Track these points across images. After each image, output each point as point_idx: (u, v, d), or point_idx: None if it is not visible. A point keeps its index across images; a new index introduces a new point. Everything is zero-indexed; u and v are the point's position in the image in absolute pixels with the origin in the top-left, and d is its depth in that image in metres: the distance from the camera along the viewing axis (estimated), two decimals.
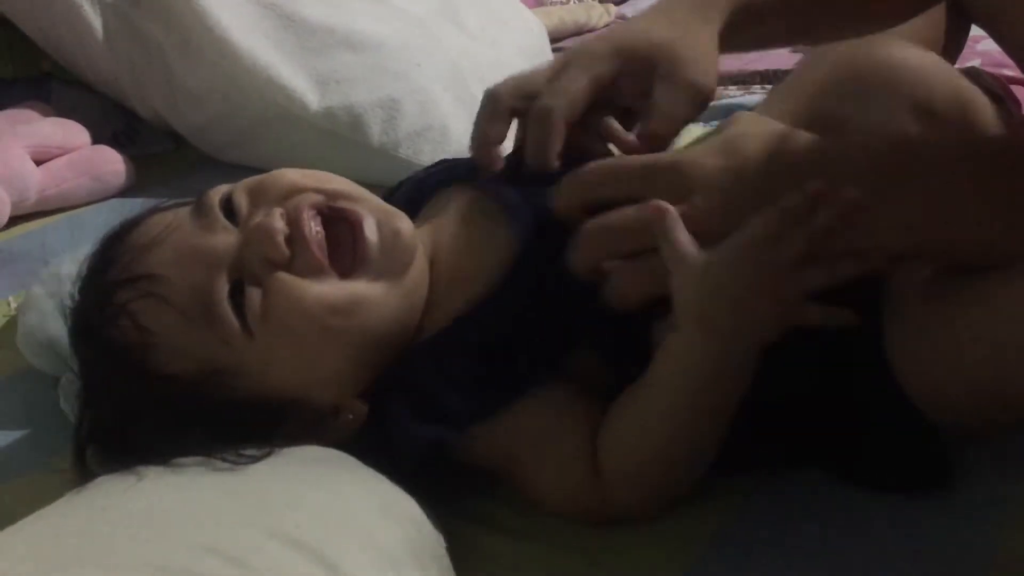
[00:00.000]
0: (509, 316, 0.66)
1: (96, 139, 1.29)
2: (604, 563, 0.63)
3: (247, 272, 0.64)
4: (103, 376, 0.66)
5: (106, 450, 0.65)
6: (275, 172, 0.69)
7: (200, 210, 0.66)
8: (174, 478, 0.59)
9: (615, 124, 0.72)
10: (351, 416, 0.67)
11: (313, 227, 0.65)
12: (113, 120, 1.39)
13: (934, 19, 0.98)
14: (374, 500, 0.60)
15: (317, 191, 0.67)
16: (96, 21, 1.28)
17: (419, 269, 0.68)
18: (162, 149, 1.40)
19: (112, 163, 1.26)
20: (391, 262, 0.66)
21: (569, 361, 0.66)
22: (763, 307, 0.59)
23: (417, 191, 0.79)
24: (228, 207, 0.66)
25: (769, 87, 1.55)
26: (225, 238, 0.65)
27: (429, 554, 0.59)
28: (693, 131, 1.34)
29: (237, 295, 0.63)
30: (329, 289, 0.64)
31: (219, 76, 1.24)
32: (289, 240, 0.64)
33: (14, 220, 1.18)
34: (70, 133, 1.27)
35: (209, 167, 1.32)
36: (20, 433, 0.79)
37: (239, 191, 0.67)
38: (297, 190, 0.67)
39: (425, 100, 1.24)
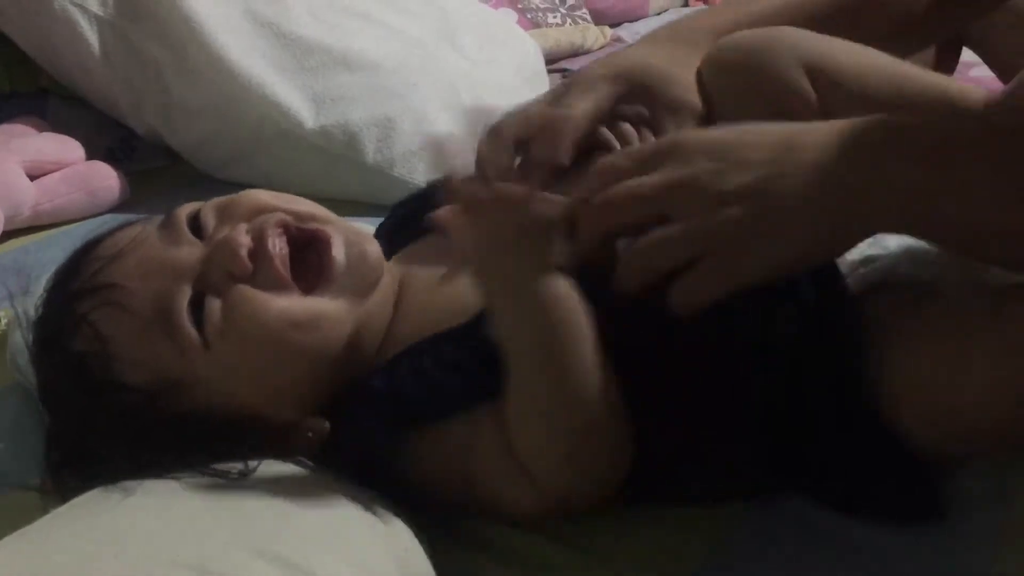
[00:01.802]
0: (468, 348, 0.65)
1: (92, 154, 1.29)
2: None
3: (209, 284, 0.64)
4: (62, 388, 0.66)
5: (69, 464, 0.65)
6: (245, 192, 0.70)
7: (167, 225, 0.67)
8: (162, 495, 0.59)
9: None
10: (310, 433, 0.66)
11: (278, 243, 0.65)
12: (109, 136, 1.38)
13: None
14: (363, 518, 0.60)
15: (286, 212, 0.67)
16: (93, 38, 1.28)
17: (383, 292, 0.69)
18: (158, 165, 1.39)
19: (106, 179, 1.25)
20: (356, 281, 0.66)
21: None
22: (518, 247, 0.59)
23: (411, 215, 0.79)
24: (195, 224, 0.67)
25: None
26: (189, 251, 0.65)
27: (417, 573, 0.58)
28: None
29: (197, 306, 0.64)
30: (290, 303, 0.64)
31: (215, 93, 1.24)
32: (253, 255, 0.64)
33: (8, 234, 1.17)
34: (65, 148, 1.27)
35: (204, 184, 1.31)
36: (9, 449, 0.78)
37: (207, 209, 0.68)
38: (265, 209, 0.67)
39: (421, 120, 1.24)
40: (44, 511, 0.59)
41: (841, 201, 0.59)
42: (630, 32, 2.19)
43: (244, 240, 0.64)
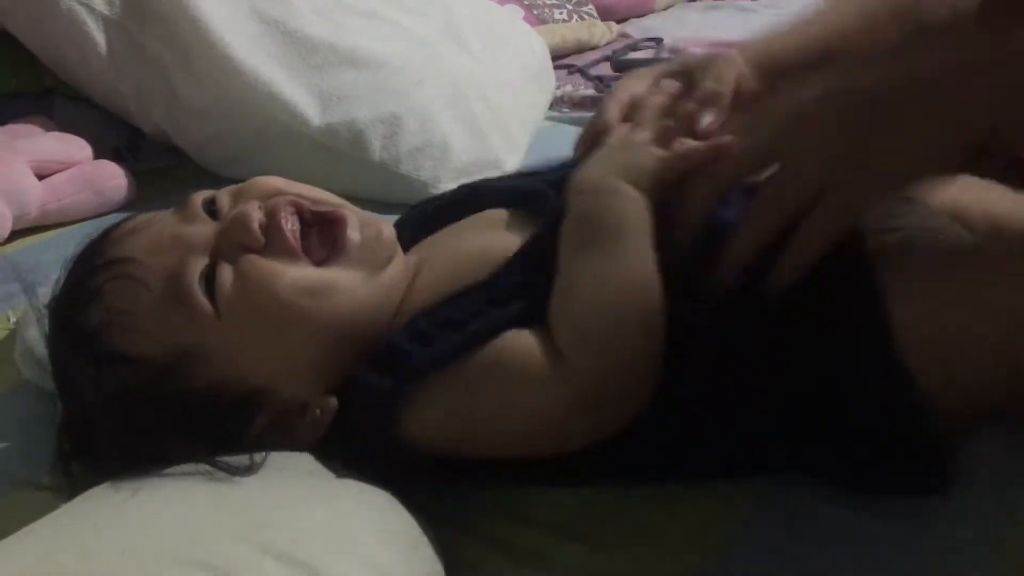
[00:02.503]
0: (491, 295, 0.66)
1: (98, 154, 1.29)
2: (606, 571, 0.62)
3: (221, 255, 0.65)
4: (74, 365, 0.66)
5: (79, 453, 0.65)
6: (259, 177, 0.72)
7: (182, 208, 0.69)
8: (168, 492, 0.59)
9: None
10: (319, 411, 0.66)
11: (290, 220, 0.67)
12: (115, 135, 1.38)
13: None
14: (370, 515, 0.59)
15: (299, 195, 0.70)
16: (99, 37, 1.28)
17: (397, 270, 0.70)
18: (164, 164, 1.40)
19: (113, 178, 1.25)
20: (370, 256, 0.68)
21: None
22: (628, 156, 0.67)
23: (428, 215, 0.81)
24: (210, 208, 0.69)
25: None
26: (203, 228, 0.67)
27: (425, 570, 0.58)
28: None
29: (210, 277, 0.65)
30: (301, 272, 0.66)
31: (221, 92, 1.24)
32: (265, 230, 0.66)
33: (15, 234, 1.18)
34: (72, 148, 1.27)
35: (211, 182, 1.30)
36: (16, 448, 0.79)
37: (222, 193, 0.70)
38: (278, 192, 0.70)
39: (426, 117, 1.24)
40: (53, 509, 0.59)
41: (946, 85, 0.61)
42: (637, 28, 2.19)
43: (256, 214, 0.66)
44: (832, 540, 0.64)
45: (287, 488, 0.60)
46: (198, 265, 0.65)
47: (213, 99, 1.25)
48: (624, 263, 0.63)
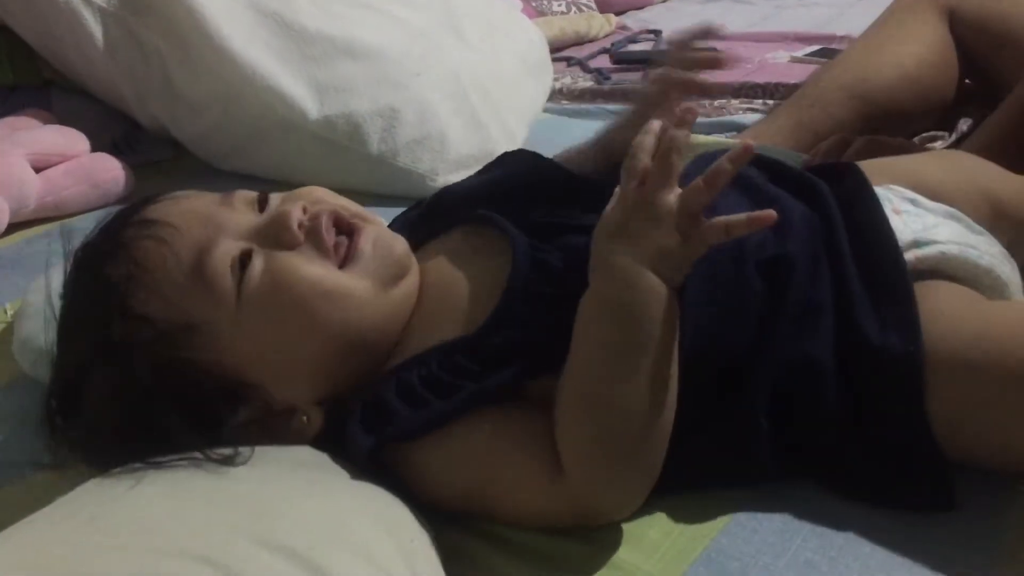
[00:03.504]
0: (478, 354, 0.66)
1: (96, 147, 1.29)
2: (595, 573, 0.62)
3: (258, 244, 0.67)
4: (83, 310, 0.68)
5: (64, 412, 0.66)
6: (309, 186, 0.74)
7: (228, 195, 0.71)
8: (166, 484, 0.59)
9: None
10: (306, 419, 0.67)
11: (330, 225, 0.69)
12: (113, 128, 1.38)
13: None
14: (368, 508, 0.60)
15: (342, 207, 0.72)
16: (96, 29, 1.28)
17: (408, 287, 0.71)
18: (162, 157, 1.39)
19: (111, 171, 1.25)
20: (380, 268, 0.69)
21: (531, 384, 0.66)
22: (659, 236, 0.61)
23: (421, 219, 0.82)
24: (261, 200, 0.71)
25: (771, 101, 1.56)
26: (246, 218, 0.69)
27: (423, 563, 0.58)
28: (697, 138, 1.36)
29: (244, 264, 0.66)
30: (325, 273, 0.67)
31: (218, 84, 1.24)
32: (304, 231, 0.68)
33: (13, 227, 1.18)
34: (70, 140, 1.26)
35: (209, 175, 1.31)
36: (15, 439, 0.79)
37: (275, 195, 0.73)
38: (323, 201, 0.72)
39: (424, 109, 1.24)
40: (52, 498, 0.59)
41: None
42: (635, 20, 2.19)
43: (298, 215, 0.68)
44: (829, 533, 0.64)
45: (285, 480, 0.60)
46: (230, 248, 0.66)
47: (210, 91, 1.25)
48: (651, 389, 0.61)
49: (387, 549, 0.56)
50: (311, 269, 0.67)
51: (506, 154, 0.86)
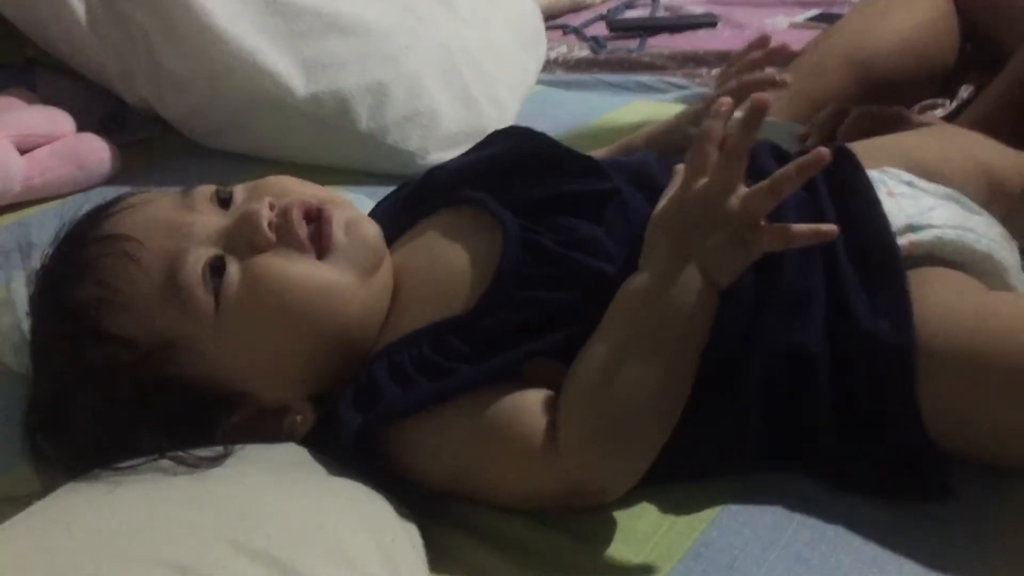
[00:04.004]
0: (470, 335, 0.65)
1: (84, 126, 1.27)
2: (583, 568, 0.61)
3: (229, 251, 0.65)
4: (55, 336, 0.66)
5: (44, 428, 0.64)
6: (273, 177, 0.72)
7: (186, 193, 0.68)
8: (144, 489, 0.58)
9: None
10: (299, 418, 0.66)
11: (300, 219, 0.67)
12: (100, 107, 1.36)
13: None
14: (348, 508, 0.59)
15: (309, 193, 0.69)
16: (79, 7, 1.25)
17: (385, 277, 0.69)
18: (149, 136, 1.37)
19: (97, 151, 1.23)
20: (357, 257, 0.67)
21: (526, 366, 0.65)
22: (716, 238, 0.61)
23: (404, 204, 0.79)
24: (221, 199, 0.68)
25: (769, 69, 1.53)
26: (211, 219, 0.66)
27: (405, 564, 0.57)
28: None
29: (215, 269, 0.64)
30: (308, 269, 0.65)
31: (204, 62, 1.21)
32: (275, 228, 0.65)
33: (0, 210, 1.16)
34: (55, 121, 1.24)
35: (196, 154, 1.29)
36: None
37: (238, 188, 0.70)
38: (290, 192, 0.69)
39: (414, 85, 1.22)
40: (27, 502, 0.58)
41: None
42: None
43: (267, 213, 0.66)
44: (819, 526, 0.63)
45: (264, 482, 0.59)
46: (201, 256, 0.64)
47: (196, 69, 1.22)
48: (668, 381, 0.61)
49: (367, 551, 0.56)
50: (292, 269, 0.65)
51: (496, 133, 0.84)
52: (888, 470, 0.65)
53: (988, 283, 0.72)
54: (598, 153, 0.85)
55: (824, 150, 0.59)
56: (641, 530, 0.63)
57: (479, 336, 0.65)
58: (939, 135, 0.91)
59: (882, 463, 0.65)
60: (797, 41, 1.49)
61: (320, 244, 0.66)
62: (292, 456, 0.63)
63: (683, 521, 0.64)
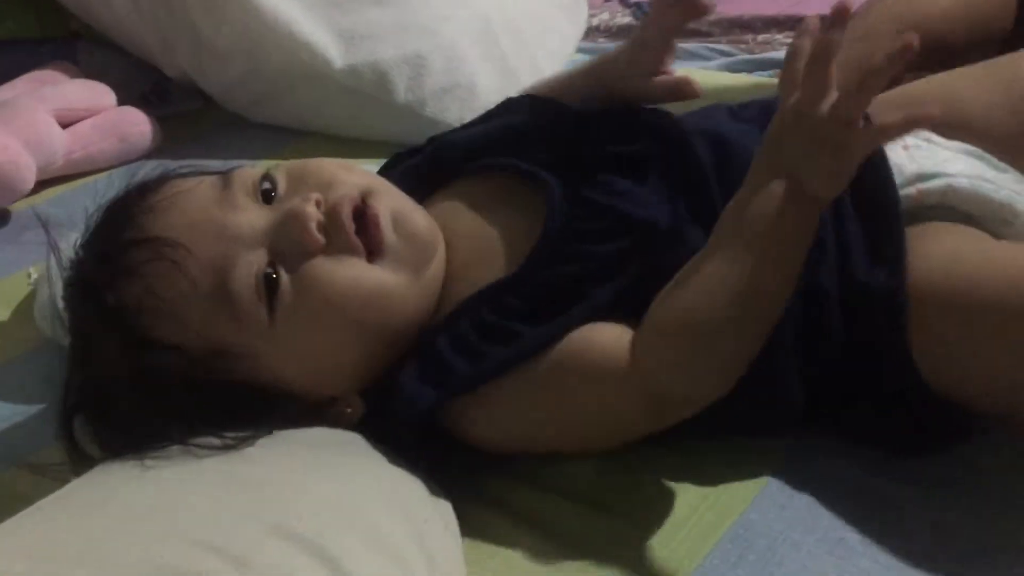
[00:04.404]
0: (526, 293, 0.64)
1: (125, 99, 1.28)
2: (619, 548, 0.61)
3: (279, 256, 0.62)
4: (99, 338, 0.64)
5: (88, 420, 0.64)
6: (315, 161, 0.69)
7: (228, 184, 0.65)
8: (177, 468, 0.58)
9: None
10: (349, 410, 0.65)
11: (350, 219, 0.64)
12: (142, 80, 1.37)
13: None
14: (379, 488, 0.58)
15: (354, 186, 0.66)
16: None
17: (439, 267, 0.67)
18: (191, 107, 1.38)
19: (138, 124, 1.24)
20: (411, 255, 0.65)
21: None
22: (817, 151, 0.58)
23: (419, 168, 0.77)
24: (264, 187, 0.65)
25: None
26: (255, 216, 0.63)
27: (438, 545, 0.57)
28: (739, 78, 1.30)
29: (267, 279, 0.62)
30: (360, 273, 0.63)
31: (243, 34, 1.21)
32: (323, 229, 0.63)
33: (41, 184, 1.17)
34: (96, 94, 1.25)
35: (236, 126, 1.30)
36: (37, 409, 0.79)
37: (280, 174, 0.66)
38: (335, 182, 0.66)
39: (452, 56, 1.20)
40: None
41: None
42: None
43: (315, 213, 0.63)
44: (862, 509, 0.61)
45: (297, 462, 0.59)
46: (251, 264, 0.61)
47: (235, 41, 1.22)
48: (762, 290, 0.59)
49: (400, 531, 0.55)
50: (344, 274, 0.62)
51: (511, 100, 0.82)
52: (892, 419, 0.65)
53: (1008, 233, 0.69)
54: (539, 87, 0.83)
55: (911, 36, 0.55)
56: (679, 512, 0.63)
57: (536, 293, 0.64)
58: (982, 74, 0.82)
59: (886, 412, 0.65)
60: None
61: (370, 245, 0.64)
62: (323, 436, 0.63)
63: (722, 502, 0.63)
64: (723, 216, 0.61)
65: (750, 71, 1.37)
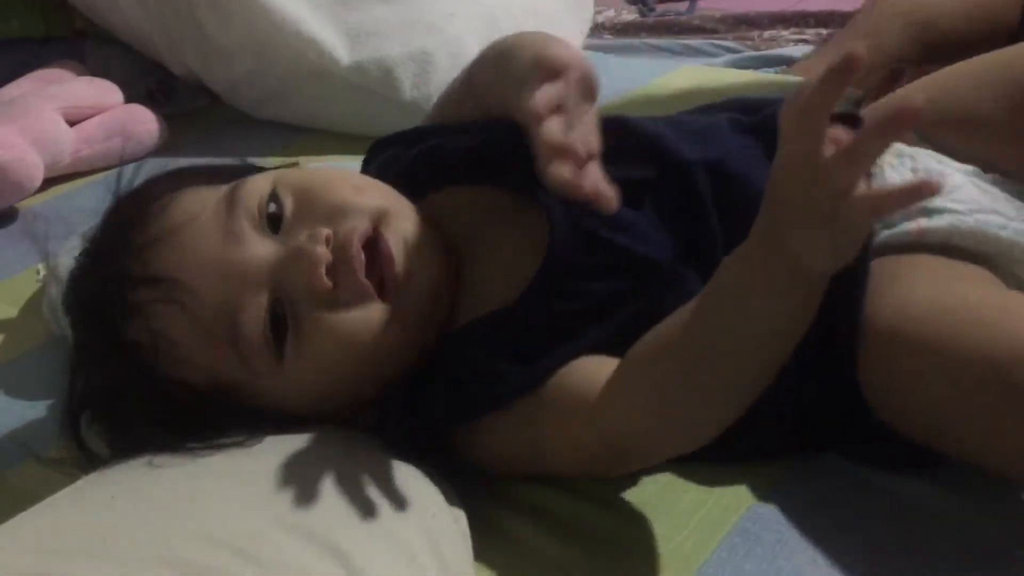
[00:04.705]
0: (521, 327, 0.63)
1: (131, 97, 1.28)
2: (627, 544, 0.61)
3: (286, 298, 0.61)
4: (103, 368, 0.64)
5: (94, 420, 0.64)
6: (323, 178, 0.65)
7: (232, 207, 0.62)
8: (186, 464, 0.58)
9: None
10: (359, 421, 0.65)
11: (361, 261, 0.61)
12: (148, 78, 1.37)
13: None
14: (388, 484, 0.58)
15: (364, 211, 0.63)
16: None
17: (443, 302, 0.65)
18: (197, 106, 1.38)
19: (145, 122, 1.24)
20: (422, 303, 0.63)
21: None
22: (812, 221, 0.50)
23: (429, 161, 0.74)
24: (271, 208, 0.62)
25: (824, 30, 1.50)
26: (261, 251, 0.61)
27: (447, 540, 0.57)
28: (745, 75, 1.30)
29: (274, 319, 0.60)
30: (370, 320, 0.61)
31: (250, 32, 1.21)
32: (331, 269, 0.60)
33: (48, 182, 1.17)
34: (103, 92, 1.25)
35: (243, 124, 1.30)
36: (46, 405, 0.79)
37: (283, 192, 0.63)
38: (345, 209, 0.62)
39: (458, 52, 1.20)
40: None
41: None
42: None
43: (324, 255, 0.60)
44: (872, 502, 0.62)
45: (306, 459, 0.59)
46: (258, 306, 0.60)
47: (241, 39, 1.22)
48: (746, 372, 0.55)
49: (410, 528, 0.55)
50: (352, 321, 0.61)
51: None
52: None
53: (1019, 272, 0.67)
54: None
55: (855, 47, 0.45)
56: (684, 506, 0.62)
57: (529, 328, 0.63)
58: (974, 68, 0.78)
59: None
60: (854, 1, 1.45)
61: (380, 282, 0.62)
62: (330, 434, 0.63)
63: (728, 496, 0.63)
64: (718, 277, 0.54)
65: (756, 68, 1.37)
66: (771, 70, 1.36)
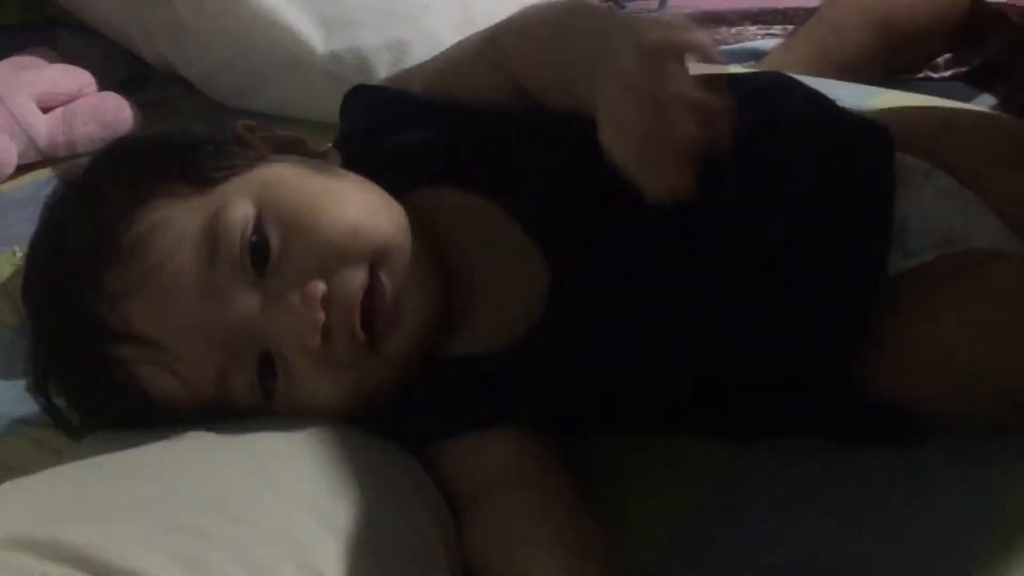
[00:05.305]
0: (489, 376, 0.64)
1: (105, 85, 1.28)
2: (602, 503, 0.62)
3: (276, 352, 0.59)
4: (80, 392, 0.65)
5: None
6: (314, 210, 0.60)
7: (213, 252, 0.58)
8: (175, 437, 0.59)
9: None
10: None
11: (359, 330, 0.59)
12: (121, 66, 1.37)
13: None
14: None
15: (361, 256, 0.60)
16: None
17: (433, 335, 0.64)
18: (171, 95, 1.38)
19: (119, 110, 1.24)
20: (411, 347, 0.62)
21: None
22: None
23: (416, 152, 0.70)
24: (254, 239, 0.59)
25: (790, 27, 1.52)
26: (247, 304, 0.58)
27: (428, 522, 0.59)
28: (717, 69, 1.32)
29: (265, 375, 0.60)
30: (361, 379, 0.61)
31: (225, 21, 1.22)
32: (325, 327, 0.58)
33: (22, 168, 1.17)
34: (76, 79, 1.25)
35: (218, 113, 1.30)
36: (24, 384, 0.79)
37: (270, 221, 0.59)
38: (342, 257, 0.59)
39: (434, 43, 1.21)
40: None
41: None
42: None
43: (318, 317, 0.57)
44: (829, 476, 0.63)
45: (295, 435, 0.60)
46: (248, 366, 0.59)
47: (216, 28, 1.22)
48: None
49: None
50: (347, 378, 0.60)
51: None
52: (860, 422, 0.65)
53: None
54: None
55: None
56: (660, 472, 0.64)
57: (497, 379, 0.63)
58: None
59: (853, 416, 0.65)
60: None
61: (372, 328, 0.60)
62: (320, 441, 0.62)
63: (702, 463, 0.65)
64: None
65: (727, 62, 1.39)
66: (742, 64, 1.38)
